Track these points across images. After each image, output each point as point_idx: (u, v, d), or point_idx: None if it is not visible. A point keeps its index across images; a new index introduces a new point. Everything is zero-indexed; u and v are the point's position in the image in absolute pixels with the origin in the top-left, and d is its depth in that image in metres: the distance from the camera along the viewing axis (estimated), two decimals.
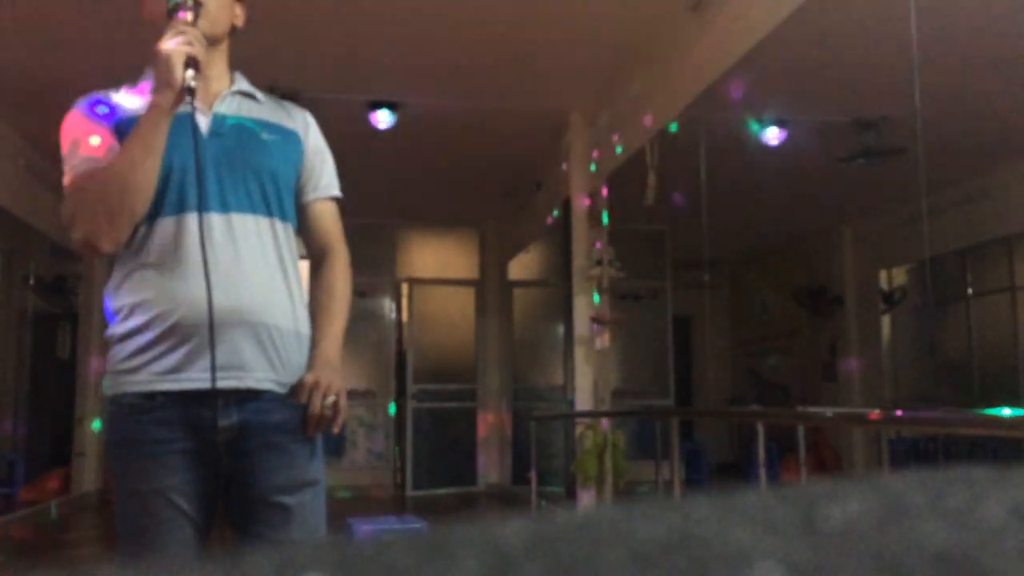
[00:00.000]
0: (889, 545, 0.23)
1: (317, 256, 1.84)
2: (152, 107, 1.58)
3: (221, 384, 1.59)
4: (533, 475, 6.51)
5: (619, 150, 6.25)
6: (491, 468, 9.73)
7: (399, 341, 9.91)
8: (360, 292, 9.47)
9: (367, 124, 6.51)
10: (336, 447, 9.40)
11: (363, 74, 6.08)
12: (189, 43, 1.58)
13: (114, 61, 5.57)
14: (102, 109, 1.70)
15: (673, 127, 5.60)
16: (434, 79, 6.15)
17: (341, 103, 6.36)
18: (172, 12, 1.64)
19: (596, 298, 6.55)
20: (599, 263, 6.50)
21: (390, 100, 6.44)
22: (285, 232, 1.73)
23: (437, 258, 10.10)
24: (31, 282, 7.93)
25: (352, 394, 9.32)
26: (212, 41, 1.69)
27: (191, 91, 1.57)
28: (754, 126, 6.27)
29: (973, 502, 0.25)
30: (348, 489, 8.77)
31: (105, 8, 5.00)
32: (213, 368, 1.57)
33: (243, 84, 1.80)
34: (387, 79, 6.16)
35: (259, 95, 1.81)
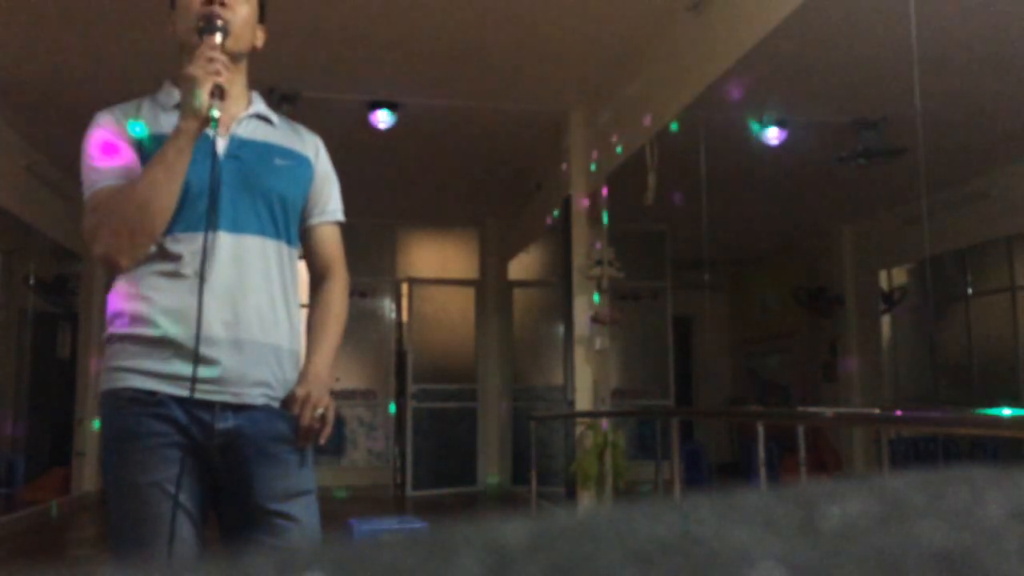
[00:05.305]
0: (889, 545, 0.23)
1: (318, 276, 1.90)
2: (177, 132, 1.63)
3: (219, 398, 1.66)
4: (533, 475, 6.51)
5: (619, 150, 6.24)
6: (491, 468, 9.72)
7: (399, 341, 9.91)
8: (360, 292, 9.47)
9: (367, 124, 6.51)
10: (336, 447, 9.40)
11: (363, 74, 6.08)
12: (217, 71, 1.63)
13: (115, 65, 5.58)
14: (125, 125, 1.73)
15: (673, 126, 5.60)
16: (434, 79, 6.15)
17: (341, 103, 6.36)
18: (201, 33, 1.68)
19: (596, 297, 6.55)
20: (599, 263, 6.50)
21: (390, 100, 6.44)
22: (290, 255, 1.80)
23: (437, 258, 10.10)
24: (31, 282, 7.92)
25: (352, 394, 9.40)
26: (233, 59, 1.73)
27: (215, 120, 1.63)
28: (754, 126, 6.27)
29: (973, 502, 0.25)
30: (348, 489, 8.76)
31: (106, 12, 5.00)
32: (194, 379, 1.62)
33: (260, 107, 1.84)
34: (387, 79, 6.16)
35: (274, 118, 1.85)
